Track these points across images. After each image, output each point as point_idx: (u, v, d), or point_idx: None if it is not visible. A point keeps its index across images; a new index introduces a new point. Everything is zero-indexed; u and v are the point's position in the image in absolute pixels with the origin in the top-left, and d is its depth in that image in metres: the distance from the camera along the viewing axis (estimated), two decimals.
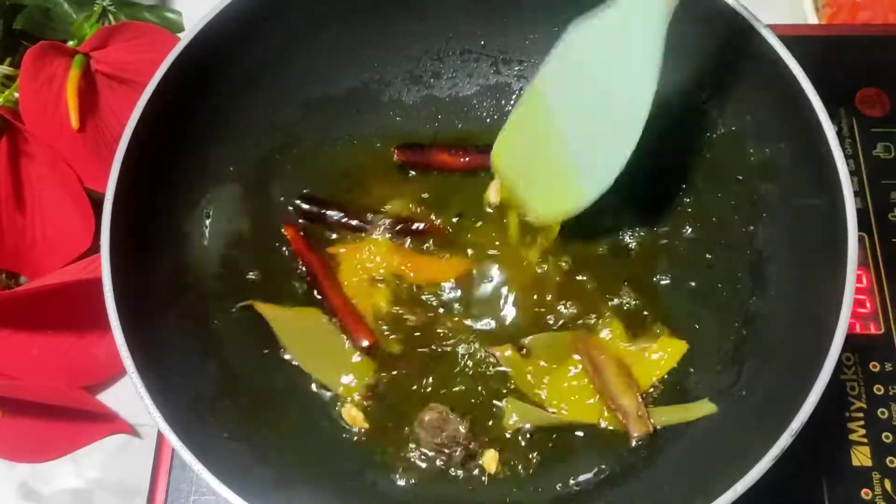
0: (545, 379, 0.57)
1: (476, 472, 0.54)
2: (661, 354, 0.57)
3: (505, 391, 0.57)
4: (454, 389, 0.57)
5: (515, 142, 0.58)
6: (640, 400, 0.55)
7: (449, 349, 0.58)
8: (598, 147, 0.55)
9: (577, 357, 0.57)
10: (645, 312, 0.59)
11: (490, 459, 0.54)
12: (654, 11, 0.50)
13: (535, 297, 0.59)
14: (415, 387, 0.57)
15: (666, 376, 0.57)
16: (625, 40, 0.52)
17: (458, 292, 0.60)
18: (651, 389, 0.56)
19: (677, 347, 0.57)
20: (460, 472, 0.54)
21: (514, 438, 0.55)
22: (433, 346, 0.58)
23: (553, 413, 0.56)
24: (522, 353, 0.57)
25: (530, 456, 0.55)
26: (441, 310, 0.59)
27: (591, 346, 0.57)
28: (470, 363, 0.57)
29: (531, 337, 0.58)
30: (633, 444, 0.54)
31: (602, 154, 0.55)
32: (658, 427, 0.54)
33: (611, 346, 0.57)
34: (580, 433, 0.55)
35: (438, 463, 0.54)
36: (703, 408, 0.53)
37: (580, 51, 0.54)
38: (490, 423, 0.56)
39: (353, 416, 0.56)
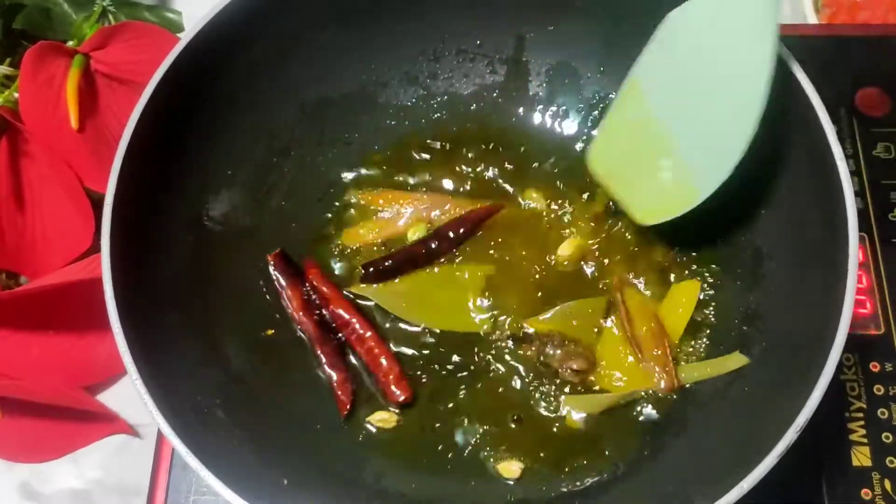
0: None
1: (482, 471, 0.54)
2: (679, 299, 0.57)
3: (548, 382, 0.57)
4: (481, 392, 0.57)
5: (614, 143, 0.55)
6: (669, 354, 0.55)
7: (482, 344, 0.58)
8: (709, 140, 0.51)
9: (605, 323, 0.57)
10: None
11: (507, 467, 0.54)
12: None
13: (557, 276, 0.59)
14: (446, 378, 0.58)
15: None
16: (732, 22, 0.47)
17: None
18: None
19: (691, 287, 0.58)
20: (489, 467, 0.55)
21: (517, 436, 0.55)
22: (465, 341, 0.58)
23: (607, 392, 0.55)
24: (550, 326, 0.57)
25: (536, 454, 0.55)
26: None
27: (627, 296, 0.57)
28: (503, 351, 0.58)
29: (558, 307, 0.57)
30: (662, 395, 0.55)
31: (714, 148, 0.51)
32: (689, 384, 0.55)
33: (644, 299, 0.57)
34: (582, 432, 0.55)
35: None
36: (736, 360, 0.54)
37: (681, 36, 0.50)
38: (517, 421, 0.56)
39: (385, 418, 0.56)
